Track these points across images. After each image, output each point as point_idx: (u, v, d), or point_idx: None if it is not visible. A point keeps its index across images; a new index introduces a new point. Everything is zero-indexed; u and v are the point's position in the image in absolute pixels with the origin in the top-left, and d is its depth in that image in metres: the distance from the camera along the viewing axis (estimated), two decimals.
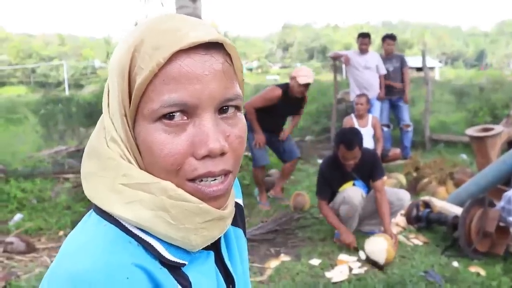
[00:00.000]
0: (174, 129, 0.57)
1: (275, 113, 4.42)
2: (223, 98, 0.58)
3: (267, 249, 3.60)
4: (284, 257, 3.38)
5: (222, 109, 0.59)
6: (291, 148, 4.72)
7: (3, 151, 6.36)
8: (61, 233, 4.02)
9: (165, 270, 0.58)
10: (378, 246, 3.18)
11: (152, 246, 0.58)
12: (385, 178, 3.63)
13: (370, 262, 3.22)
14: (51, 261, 3.42)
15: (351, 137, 3.39)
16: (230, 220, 0.65)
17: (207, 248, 0.65)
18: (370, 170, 3.54)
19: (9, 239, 3.67)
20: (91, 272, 0.53)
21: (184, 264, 0.60)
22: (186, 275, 0.60)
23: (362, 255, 3.32)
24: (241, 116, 0.62)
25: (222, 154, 0.58)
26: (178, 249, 0.60)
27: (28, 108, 10.94)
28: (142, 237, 0.58)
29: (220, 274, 0.68)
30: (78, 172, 5.06)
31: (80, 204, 4.43)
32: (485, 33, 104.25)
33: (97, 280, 0.52)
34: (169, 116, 0.56)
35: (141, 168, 0.60)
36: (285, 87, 4.41)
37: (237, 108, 0.61)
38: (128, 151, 0.60)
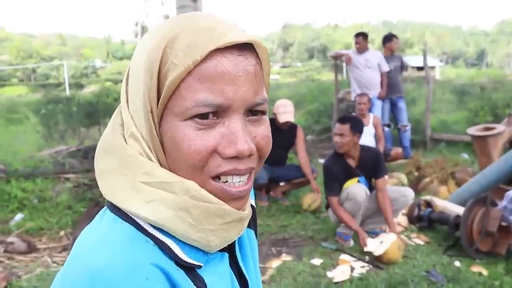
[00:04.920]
0: (205, 127, 0.57)
1: (273, 145, 4.42)
2: (253, 102, 0.58)
3: (269, 249, 3.59)
4: (285, 257, 3.37)
5: (249, 112, 0.60)
6: (295, 169, 4.71)
7: (4, 151, 6.36)
8: (62, 233, 4.02)
9: (182, 271, 0.57)
10: (384, 240, 3.21)
11: (169, 246, 0.57)
12: (386, 177, 3.65)
13: (370, 258, 3.22)
14: (52, 261, 3.43)
15: (347, 115, 3.60)
16: (247, 222, 0.64)
17: (221, 250, 0.64)
18: (373, 168, 3.55)
19: (10, 239, 3.67)
20: (110, 269, 0.52)
21: (200, 266, 0.60)
22: (201, 276, 0.60)
23: (370, 246, 3.27)
24: (266, 118, 0.62)
25: (249, 155, 0.59)
26: (194, 251, 0.59)
27: (29, 108, 10.95)
28: (159, 237, 0.57)
29: (234, 275, 0.67)
30: (79, 172, 5.07)
31: (81, 204, 4.42)
32: (485, 32, 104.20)
33: (116, 277, 0.51)
34: (201, 115, 0.56)
35: (162, 166, 0.59)
36: (271, 120, 4.40)
37: (263, 112, 0.61)
38: (150, 148, 0.59)
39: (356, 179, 3.59)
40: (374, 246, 3.24)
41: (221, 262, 0.64)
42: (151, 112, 0.57)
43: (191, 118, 0.56)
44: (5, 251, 3.56)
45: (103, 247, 0.54)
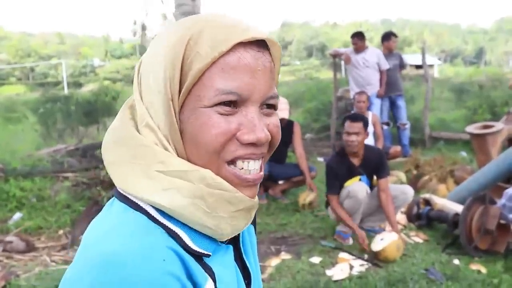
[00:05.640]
0: (227, 113, 0.60)
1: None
2: (268, 95, 0.63)
3: (268, 247, 3.59)
4: (284, 255, 3.37)
5: (263, 105, 0.63)
6: (293, 167, 4.71)
7: (2, 150, 6.34)
8: (60, 232, 4.01)
9: (192, 259, 0.59)
10: (385, 238, 3.21)
11: (178, 235, 0.58)
12: (389, 177, 3.66)
13: (369, 256, 3.22)
14: (51, 260, 3.42)
15: (356, 114, 3.81)
16: (254, 213, 0.66)
17: (226, 242, 0.66)
18: (375, 167, 3.57)
19: (9, 238, 3.66)
20: (125, 252, 0.52)
21: (209, 255, 0.61)
22: (209, 265, 0.61)
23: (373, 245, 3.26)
24: (276, 112, 0.66)
25: (265, 142, 0.62)
26: (202, 240, 0.61)
27: (27, 107, 10.92)
28: (169, 226, 0.58)
29: (238, 268, 0.68)
30: (78, 171, 5.06)
31: (80, 203, 4.41)
32: (484, 31, 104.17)
33: (132, 260, 0.52)
34: (224, 103, 0.59)
35: (179, 156, 0.61)
36: None
37: (274, 107, 0.65)
38: (166, 138, 0.61)
39: (358, 177, 3.59)
40: (374, 242, 3.24)
41: (226, 253, 0.66)
42: (172, 100, 0.59)
43: (214, 105, 0.59)
44: (4, 250, 3.55)
45: (116, 234, 0.55)
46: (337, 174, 3.54)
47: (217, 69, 0.59)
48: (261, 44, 0.62)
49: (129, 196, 0.60)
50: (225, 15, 0.64)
